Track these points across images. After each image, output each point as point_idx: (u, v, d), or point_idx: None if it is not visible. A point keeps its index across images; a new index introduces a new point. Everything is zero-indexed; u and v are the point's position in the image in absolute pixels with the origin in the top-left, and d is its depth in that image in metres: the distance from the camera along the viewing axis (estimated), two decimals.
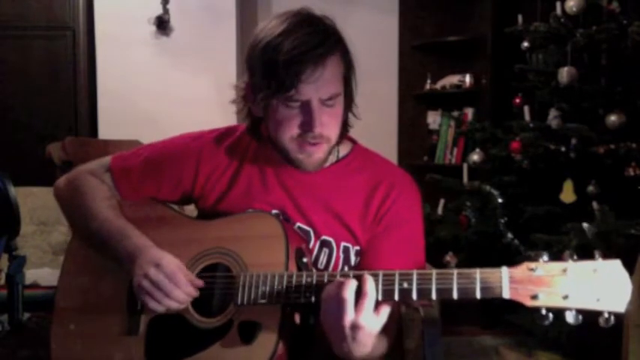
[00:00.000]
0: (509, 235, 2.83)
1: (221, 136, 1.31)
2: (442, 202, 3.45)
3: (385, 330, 1.05)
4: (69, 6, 4.06)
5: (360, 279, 0.99)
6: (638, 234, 2.34)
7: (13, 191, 1.87)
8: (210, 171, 1.28)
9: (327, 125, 1.15)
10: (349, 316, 0.97)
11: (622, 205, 2.55)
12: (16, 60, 4.09)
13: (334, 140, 1.20)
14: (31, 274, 2.98)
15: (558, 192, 2.78)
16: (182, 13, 4.04)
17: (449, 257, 3.19)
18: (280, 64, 1.08)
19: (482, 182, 3.07)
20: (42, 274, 3.15)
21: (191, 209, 1.37)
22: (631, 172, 2.65)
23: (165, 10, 3.99)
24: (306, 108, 1.13)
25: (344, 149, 1.28)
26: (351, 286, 0.98)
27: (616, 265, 0.91)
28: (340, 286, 0.98)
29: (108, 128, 4.06)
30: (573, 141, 2.80)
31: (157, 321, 1.18)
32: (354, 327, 0.97)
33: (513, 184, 3.04)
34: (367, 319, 0.97)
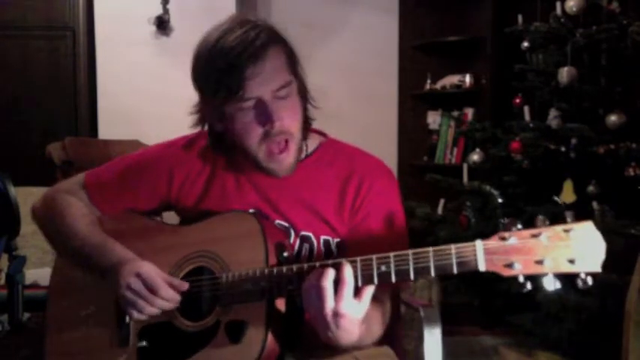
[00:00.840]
0: None
1: (191, 141, 1.32)
2: (442, 202, 3.44)
3: (372, 318, 1.06)
4: (69, 6, 4.05)
5: (337, 267, 1.00)
6: (638, 234, 2.34)
7: (13, 191, 1.86)
8: (184, 176, 1.29)
9: (286, 118, 1.15)
10: (329, 304, 0.97)
11: (622, 205, 2.56)
12: (16, 60, 4.08)
13: (297, 134, 1.19)
14: (31, 274, 2.97)
15: (558, 192, 2.78)
16: (182, 13, 4.04)
17: None
18: (223, 69, 1.09)
19: (482, 182, 3.07)
20: (42, 274, 3.14)
21: (170, 216, 1.37)
22: (631, 172, 2.65)
23: (165, 10, 3.99)
24: (260, 106, 1.13)
25: (312, 144, 1.29)
26: (330, 274, 0.98)
27: (588, 226, 0.90)
28: (319, 275, 0.99)
29: (108, 128, 4.06)
30: (573, 141, 2.80)
31: (146, 330, 1.18)
32: (336, 315, 0.98)
33: (513, 184, 3.04)
34: (348, 306, 0.98)
